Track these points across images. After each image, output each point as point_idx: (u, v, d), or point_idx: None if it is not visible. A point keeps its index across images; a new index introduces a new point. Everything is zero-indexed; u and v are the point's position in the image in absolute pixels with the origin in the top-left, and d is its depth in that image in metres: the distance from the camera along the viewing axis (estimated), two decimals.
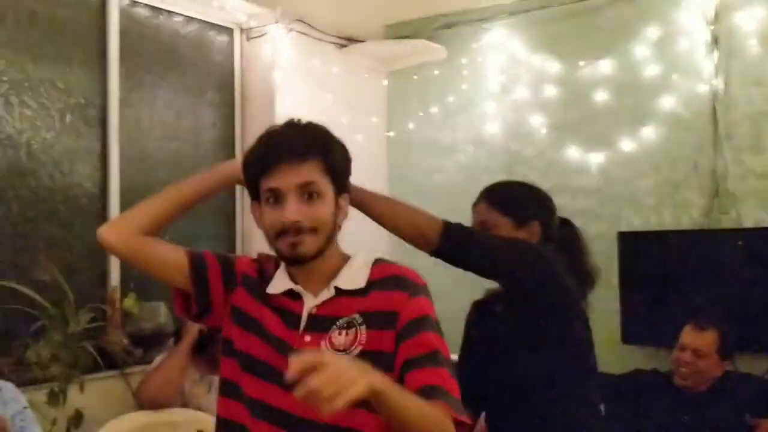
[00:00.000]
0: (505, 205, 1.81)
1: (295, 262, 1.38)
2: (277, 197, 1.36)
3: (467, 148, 3.96)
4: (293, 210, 1.33)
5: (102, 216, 3.21)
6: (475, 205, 1.88)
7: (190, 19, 3.64)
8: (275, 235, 1.36)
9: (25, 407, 2.31)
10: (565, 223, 1.91)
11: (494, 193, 1.87)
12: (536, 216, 1.81)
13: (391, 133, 4.21)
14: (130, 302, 3.13)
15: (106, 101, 3.25)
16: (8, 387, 2.33)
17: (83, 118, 3.19)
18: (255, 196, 1.42)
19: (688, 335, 2.76)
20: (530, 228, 1.79)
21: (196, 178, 1.53)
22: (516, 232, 1.78)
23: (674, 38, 3.32)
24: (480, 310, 1.92)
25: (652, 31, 3.36)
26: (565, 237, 1.87)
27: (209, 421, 2.04)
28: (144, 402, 2.68)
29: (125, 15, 3.33)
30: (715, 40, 3.23)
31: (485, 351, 1.81)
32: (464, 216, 3.80)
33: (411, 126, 4.14)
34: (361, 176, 4.56)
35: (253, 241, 3.78)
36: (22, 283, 2.80)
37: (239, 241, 3.82)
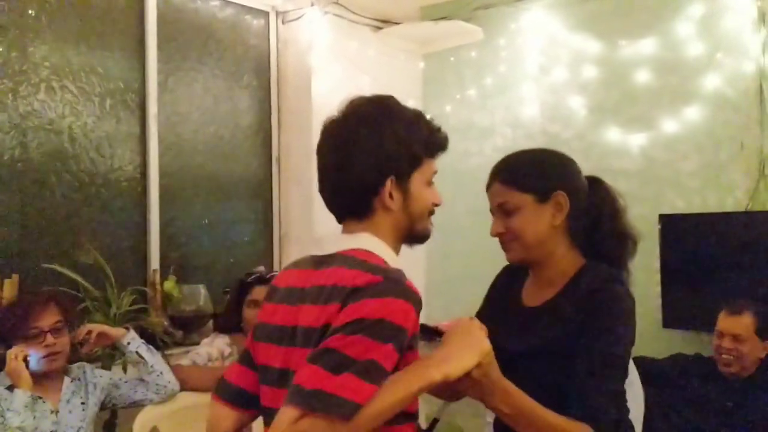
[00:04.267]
0: (521, 181, 1.56)
1: None
2: None
3: (505, 130, 3.92)
4: None
5: (142, 199, 3.26)
6: (488, 187, 1.63)
7: (227, 2, 3.66)
8: None
9: (111, 376, 2.43)
10: (593, 182, 1.65)
11: (506, 169, 1.61)
12: (559, 185, 1.56)
13: (428, 116, 4.17)
14: (170, 285, 3.18)
15: (144, 86, 3.29)
16: (90, 367, 2.41)
17: (123, 103, 3.23)
18: None
19: (724, 321, 2.72)
20: (555, 199, 1.55)
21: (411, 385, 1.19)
22: (540, 208, 1.55)
23: (719, 15, 3.22)
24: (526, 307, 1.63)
25: (696, 9, 3.27)
26: (595, 199, 1.61)
27: None
28: (188, 389, 2.63)
29: (163, 0, 3.36)
30: (762, 17, 3.13)
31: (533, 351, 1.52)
32: None
33: (448, 109, 4.10)
34: None
35: (291, 223, 3.81)
36: (65, 266, 2.86)
37: (276, 224, 3.85)
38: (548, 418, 1.37)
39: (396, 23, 3.97)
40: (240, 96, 3.73)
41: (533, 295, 1.63)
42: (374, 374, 1.12)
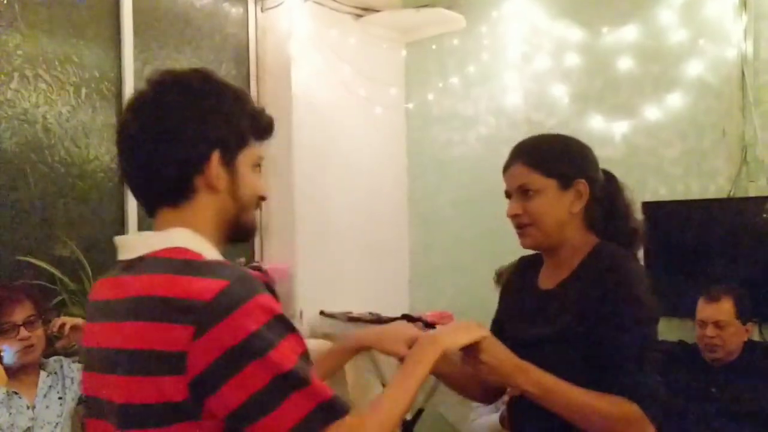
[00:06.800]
0: (545, 165, 1.55)
1: None
2: None
3: (488, 119, 3.90)
4: None
5: (119, 190, 3.20)
6: (508, 167, 1.61)
7: None
8: None
9: None
10: (606, 175, 1.66)
11: (532, 152, 1.59)
12: (581, 173, 1.56)
13: (410, 105, 4.15)
14: None
15: (121, 75, 3.23)
16: (67, 361, 2.36)
17: (98, 93, 3.17)
18: None
19: (704, 309, 2.71)
20: (577, 187, 1.55)
21: (418, 370, 1.23)
22: (561, 194, 1.55)
23: (701, 2, 3.21)
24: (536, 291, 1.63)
25: None
26: (608, 192, 1.63)
27: None
28: None
29: None
30: (744, 3, 3.12)
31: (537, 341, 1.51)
32: (484, 188, 3.72)
33: (430, 97, 4.07)
34: (380, 149, 4.53)
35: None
36: (41, 259, 2.81)
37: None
38: (583, 396, 1.37)
39: (377, 11, 3.92)
40: None
41: (548, 278, 1.62)
42: (309, 372, 1.04)
